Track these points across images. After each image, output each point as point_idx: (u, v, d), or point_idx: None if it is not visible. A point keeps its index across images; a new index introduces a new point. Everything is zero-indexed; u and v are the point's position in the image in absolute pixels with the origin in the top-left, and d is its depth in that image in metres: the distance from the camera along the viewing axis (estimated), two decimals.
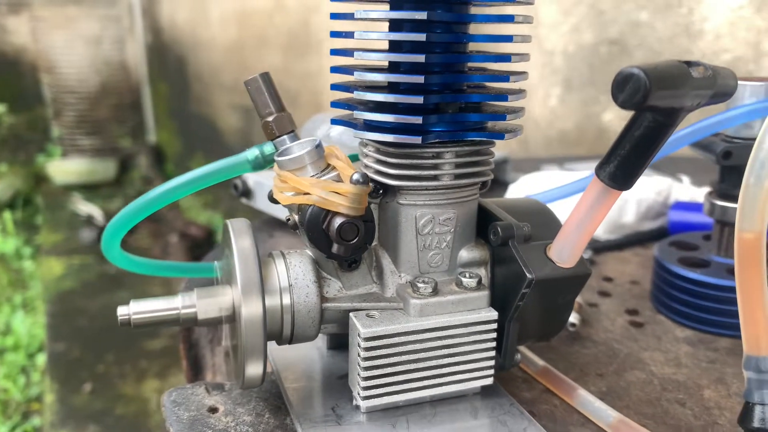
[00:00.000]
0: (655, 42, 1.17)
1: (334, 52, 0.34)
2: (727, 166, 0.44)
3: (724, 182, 0.45)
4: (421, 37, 0.29)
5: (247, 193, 0.63)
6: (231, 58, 3.12)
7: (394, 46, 0.30)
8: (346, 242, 0.30)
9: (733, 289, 0.43)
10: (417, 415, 0.33)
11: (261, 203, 0.62)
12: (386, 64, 0.32)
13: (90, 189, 4.12)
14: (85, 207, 3.74)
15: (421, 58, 0.29)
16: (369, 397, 0.32)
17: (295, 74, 2.49)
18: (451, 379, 0.34)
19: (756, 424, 0.27)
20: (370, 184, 0.31)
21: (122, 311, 0.32)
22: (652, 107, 0.26)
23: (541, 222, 0.36)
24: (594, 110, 1.28)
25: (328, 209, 0.30)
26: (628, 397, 0.37)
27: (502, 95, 0.31)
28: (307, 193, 0.30)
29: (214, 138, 3.51)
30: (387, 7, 0.31)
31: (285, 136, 0.35)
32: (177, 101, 3.94)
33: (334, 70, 0.34)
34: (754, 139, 0.43)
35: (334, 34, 0.34)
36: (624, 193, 0.59)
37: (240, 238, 0.31)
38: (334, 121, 0.35)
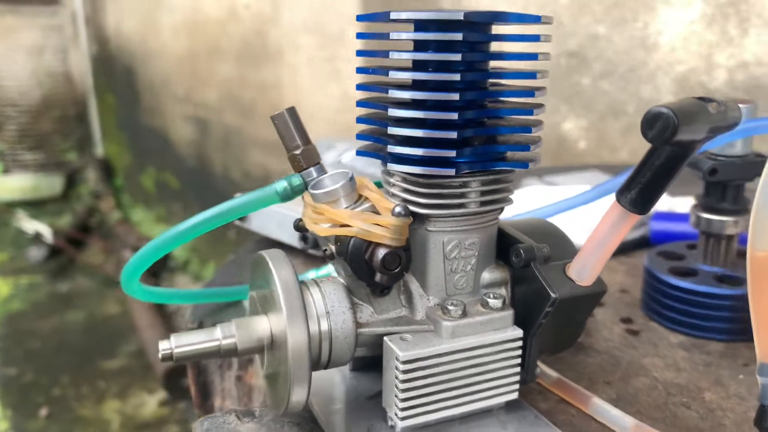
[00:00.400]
0: (613, 54, 1.22)
1: (360, 87, 0.36)
2: (712, 182, 0.47)
3: (709, 196, 0.48)
4: (456, 77, 0.30)
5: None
6: (183, 68, 3.08)
7: (423, 85, 0.32)
8: (390, 272, 0.31)
9: (721, 296, 0.46)
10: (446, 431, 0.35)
11: (255, 225, 0.63)
12: (412, 98, 0.33)
13: (35, 206, 3.99)
14: (31, 224, 3.62)
15: (455, 96, 0.31)
16: (406, 417, 0.34)
17: (251, 85, 2.48)
18: (480, 396, 0.35)
19: None
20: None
21: (164, 346, 0.32)
22: (677, 142, 0.28)
23: (554, 242, 0.38)
24: (554, 120, 1.32)
25: (369, 240, 0.31)
26: (638, 402, 0.40)
27: (527, 127, 0.33)
28: (347, 225, 0.32)
29: (167, 150, 3.45)
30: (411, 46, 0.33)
31: (311, 168, 0.36)
32: (126, 113, 3.85)
33: (361, 104, 0.36)
34: (737, 157, 0.47)
35: (360, 71, 0.35)
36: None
37: (280, 269, 0.32)
38: (361, 153, 0.36)
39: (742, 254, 0.51)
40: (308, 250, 0.57)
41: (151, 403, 2.35)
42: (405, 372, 0.33)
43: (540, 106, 0.34)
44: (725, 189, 0.47)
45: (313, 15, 1.64)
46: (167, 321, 2.75)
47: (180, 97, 3.17)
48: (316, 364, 0.34)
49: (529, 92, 0.32)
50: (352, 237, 0.32)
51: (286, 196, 0.36)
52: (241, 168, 2.72)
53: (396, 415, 0.34)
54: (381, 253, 0.31)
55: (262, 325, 0.33)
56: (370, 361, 0.38)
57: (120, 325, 2.81)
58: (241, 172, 2.72)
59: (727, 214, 0.47)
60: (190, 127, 3.17)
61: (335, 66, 1.61)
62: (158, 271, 3.32)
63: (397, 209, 0.31)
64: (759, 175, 0.46)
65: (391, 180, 0.36)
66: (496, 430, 0.35)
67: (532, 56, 0.32)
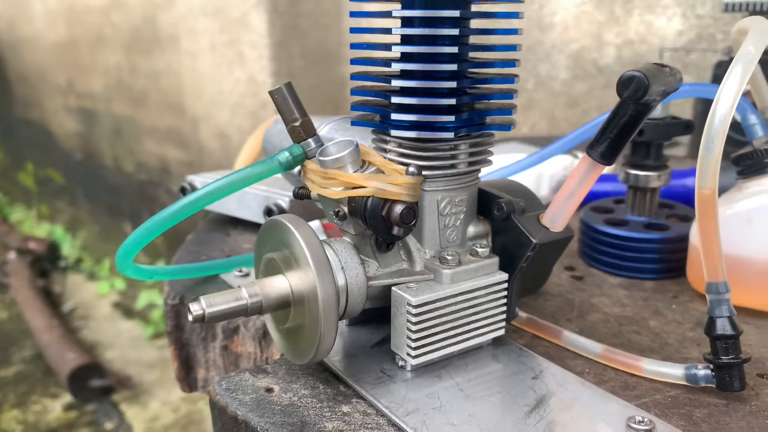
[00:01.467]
0: None
1: (356, 62, 0.39)
2: (637, 142, 0.55)
3: (635, 155, 0.55)
4: (454, 49, 0.34)
5: None
6: (62, 57, 2.91)
7: (425, 57, 0.36)
8: (407, 225, 0.35)
9: (649, 241, 0.54)
10: (452, 367, 0.39)
11: (212, 204, 0.64)
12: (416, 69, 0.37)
13: None
14: None
15: (454, 66, 0.35)
16: (418, 356, 0.38)
17: (142, 73, 2.40)
18: (475, 333, 0.40)
19: (719, 331, 0.37)
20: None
21: (195, 308, 0.34)
22: (644, 101, 0.34)
23: (524, 197, 0.43)
24: None
25: (386, 198, 0.35)
26: (597, 333, 0.46)
27: (509, 93, 0.38)
28: (360, 186, 0.35)
29: (49, 144, 3.25)
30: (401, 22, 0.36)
31: (310, 139, 0.39)
32: None
33: (356, 77, 0.39)
34: (659, 119, 0.54)
35: (356, 47, 0.38)
36: (539, 169, 0.68)
37: (302, 230, 0.35)
38: (356, 123, 0.40)
39: (663, 205, 0.59)
40: None
41: (55, 408, 2.24)
42: (416, 315, 0.37)
43: (517, 75, 0.38)
44: (648, 148, 0.54)
45: (211, 0, 1.62)
46: (64, 322, 2.62)
47: (61, 87, 3.00)
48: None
49: (511, 63, 0.37)
50: (368, 197, 0.35)
51: (288, 166, 0.39)
52: (135, 159, 2.62)
53: (408, 354, 0.38)
54: (398, 208, 0.34)
55: (284, 284, 0.36)
56: (365, 316, 0.41)
57: (10, 330, 2.64)
58: (135, 162, 2.63)
59: (651, 169, 0.55)
60: (74, 119, 3.00)
61: (239, 50, 1.60)
62: (47, 271, 3.14)
63: (411, 169, 0.35)
64: (676, 134, 0.54)
65: (387, 146, 0.40)
66: (490, 362, 0.40)
67: (514, 31, 0.37)
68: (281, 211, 0.58)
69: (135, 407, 2.27)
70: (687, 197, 0.63)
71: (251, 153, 0.71)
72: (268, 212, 0.59)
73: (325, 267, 0.34)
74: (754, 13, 0.75)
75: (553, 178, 0.68)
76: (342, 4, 1.61)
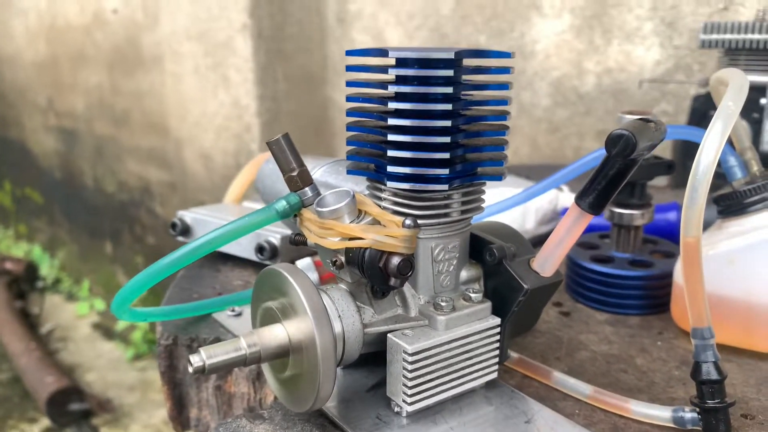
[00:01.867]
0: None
1: (352, 113, 0.40)
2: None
3: (620, 194, 0.56)
4: (448, 106, 0.36)
5: (185, 231, 0.65)
6: (43, 76, 2.89)
7: (420, 114, 0.37)
8: (403, 276, 0.36)
9: (634, 278, 0.55)
10: (447, 411, 0.40)
11: None
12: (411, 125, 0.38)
13: None
14: None
15: (448, 123, 0.36)
16: (413, 402, 0.38)
17: (124, 93, 2.39)
18: (469, 378, 0.41)
19: (704, 377, 0.38)
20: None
21: (196, 360, 0.35)
22: (633, 157, 0.35)
23: (514, 241, 0.44)
24: None
25: (383, 250, 0.36)
26: (587, 372, 0.47)
27: (500, 146, 0.39)
28: (358, 238, 0.36)
29: (27, 163, 3.22)
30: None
31: (307, 188, 0.40)
32: None
33: (351, 128, 0.40)
34: (643, 161, 0.55)
35: (351, 99, 0.39)
36: (527, 204, 0.70)
37: (299, 280, 0.35)
38: (352, 172, 0.41)
39: (647, 240, 0.61)
40: (264, 261, 0.60)
41: None
42: (412, 363, 0.37)
43: (508, 127, 0.40)
44: (633, 187, 0.56)
45: (197, 23, 1.63)
46: (42, 344, 2.58)
47: (41, 106, 2.97)
48: None
49: (502, 116, 0.38)
50: (365, 248, 0.36)
51: (285, 214, 0.40)
52: (116, 179, 2.60)
53: (404, 401, 0.38)
54: (395, 260, 0.35)
55: (282, 333, 0.37)
56: (360, 359, 0.42)
57: None
58: (116, 182, 2.61)
59: (635, 208, 0.56)
60: (54, 138, 2.98)
61: (223, 74, 1.61)
62: (25, 291, 3.10)
63: (407, 221, 0.35)
64: (659, 174, 0.56)
65: (382, 195, 0.41)
66: (483, 405, 0.41)
67: (504, 86, 0.38)
68: (272, 248, 0.59)
69: (115, 431, 2.24)
70: (670, 231, 0.65)
71: (242, 186, 0.72)
72: (260, 249, 0.59)
73: (323, 316, 0.35)
74: (728, 50, 0.77)
75: (538, 211, 0.70)
76: (325, 29, 1.62)
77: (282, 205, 0.39)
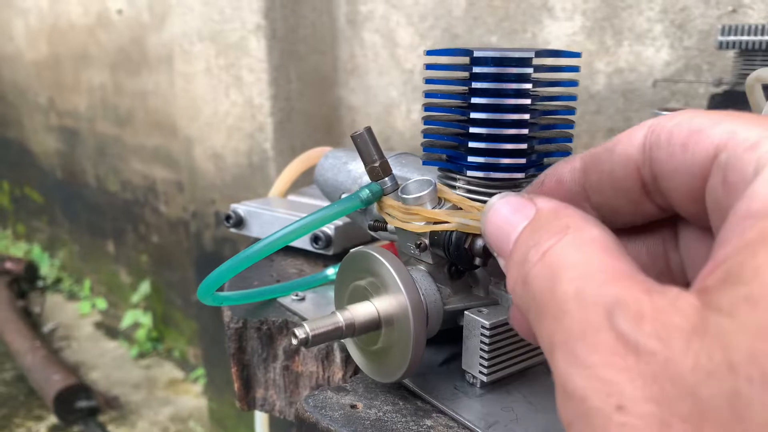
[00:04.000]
0: None
1: (430, 109, 0.43)
2: None
3: None
4: (527, 101, 0.39)
5: (239, 223, 0.68)
6: (44, 76, 2.90)
7: (500, 108, 0.40)
8: (487, 256, 0.39)
9: None
10: (516, 383, 0.44)
11: (255, 231, 0.68)
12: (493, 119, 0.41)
13: None
14: None
15: (527, 116, 0.39)
16: (490, 373, 0.42)
17: (128, 93, 2.41)
18: (535, 352, 0.44)
19: None
20: None
21: (300, 333, 0.38)
22: None
23: None
24: None
25: (468, 233, 0.39)
26: None
27: (568, 138, 0.43)
28: (444, 222, 0.39)
29: (27, 163, 3.23)
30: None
31: (386, 178, 0.43)
32: None
33: (428, 123, 0.43)
34: None
35: (430, 95, 0.43)
36: None
37: (391, 261, 0.39)
38: (429, 163, 0.44)
39: None
40: (319, 250, 0.63)
41: (40, 430, 2.22)
42: (490, 336, 0.41)
43: (574, 122, 0.43)
44: None
45: (209, 24, 1.65)
46: (46, 344, 2.59)
47: (42, 106, 2.98)
48: None
49: (571, 111, 0.42)
50: (451, 231, 0.39)
51: (368, 202, 0.43)
52: (120, 178, 2.62)
53: (481, 372, 0.42)
54: (480, 242, 0.39)
55: (372, 308, 0.40)
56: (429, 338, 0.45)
57: None
58: (119, 182, 2.63)
59: None
60: (54, 138, 2.99)
61: (236, 74, 1.63)
62: (25, 291, 3.11)
63: None
64: None
65: (456, 184, 0.44)
66: (547, 376, 0.45)
67: (574, 83, 0.42)
68: (327, 237, 0.62)
69: (123, 428, 2.26)
70: None
71: (289, 180, 0.75)
72: (315, 239, 0.63)
73: (415, 292, 0.38)
74: (744, 51, 0.82)
75: None
76: (336, 30, 1.66)
77: (366, 193, 0.43)
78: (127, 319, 2.66)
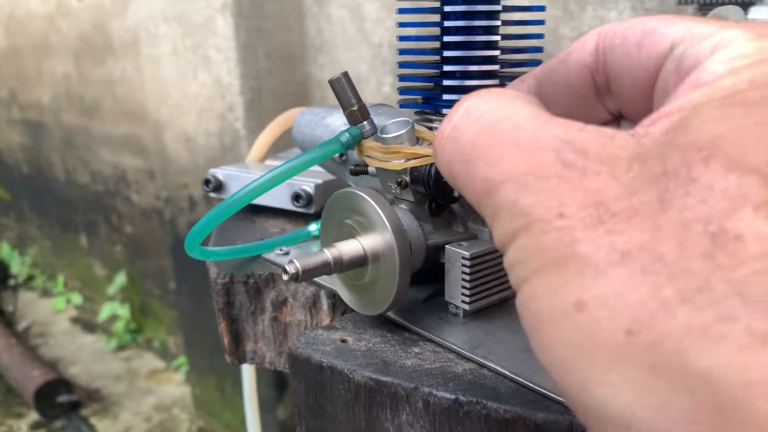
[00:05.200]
0: None
1: (404, 52, 0.45)
2: None
3: None
4: (495, 37, 0.41)
5: (219, 187, 0.69)
6: (3, 68, 2.84)
7: (472, 45, 0.42)
8: None
9: None
10: (498, 312, 0.46)
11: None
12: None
13: None
14: None
15: (496, 52, 0.41)
16: (472, 302, 0.44)
17: (93, 81, 2.38)
18: (508, 285, 0.46)
19: None
20: None
21: (291, 269, 0.39)
22: None
23: None
24: None
25: None
26: None
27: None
28: (425, 156, 0.41)
29: None
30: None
31: (365, 122, 0.44)
32: None
33: (404, 66, 0.45)
34: None
35: (403, 39, 0.44)
36: None
37: (375, 199, 0.40)
38: (407, 106, 0.46)
39: None
40: (299, 209, 0.65)
41: (21, 428, 2.21)
42: (471, 267, 0.43)
43: (541, 60, 0.45)
44: None
45: (173, 4, 1.64)
46: (22, 342, 2.57)
47: (3, 100, 2.92)
48: None
49: (539, 48, 0.44)
50: (431, 166, 0.41)
51: (349, 145, 0.44)
52: (89, 169, 2.59)
53: (463, 302, 0.44)
54: None
55: (358, 245, 0.41)
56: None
57: None
58: (89, 173, 2.60)
59: None
60: (18, 132, 2.94)
61: (204, 54, 1.63)
62: None
63: None
64: None
65: (433, 125, 0.46)
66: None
67: (540, 22, 0.43)
68: (308, 195, 0.64)
69: (106, 420, 2.25)
70: None
71: (265, 145, 0.76)
72: (296, 197, 0.64)
73: (399, 228, 0.40)
74: (702, 5, 0.84)
75: None
76: (303, 6, 1.66)
77: (345, 137, 0.44)
78: (104, 312, 2.64)
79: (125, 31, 2.10)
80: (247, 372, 0.80)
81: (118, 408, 2.27)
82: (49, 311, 2.93)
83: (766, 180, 0.17)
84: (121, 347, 2.59)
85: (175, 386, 2.34)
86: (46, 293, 3.08)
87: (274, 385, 1.66)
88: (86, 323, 2.80)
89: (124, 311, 2.60)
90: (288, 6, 1.62)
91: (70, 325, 2.83)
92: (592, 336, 0.18)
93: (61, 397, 2.21)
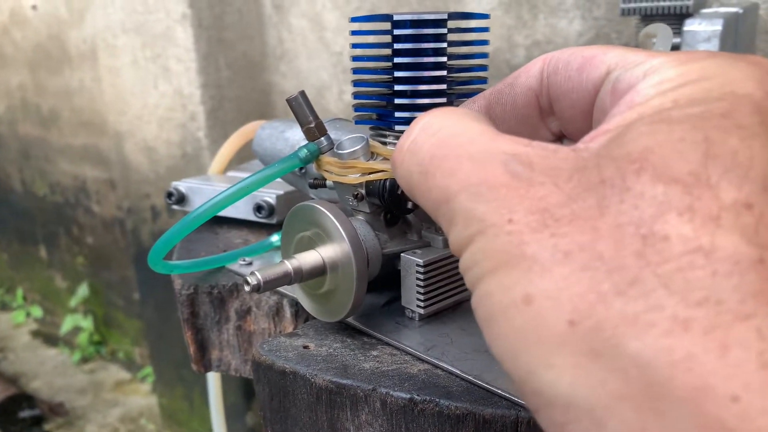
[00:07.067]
0: None
1: (358, 71, 0.47)
2: None
3: None
4: (444, 59, 0.44)
5: (181, 199, 0.70)
6: None
7: (421, 66, 0.45)
8: None
9: None
10: (452, 315, 0.48)
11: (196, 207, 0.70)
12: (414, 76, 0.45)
13: None
14: None
15: (444, 72, 0.44)
16: (426, 307, 0.46)
17: (50, 92, 2.35)
18: (463, 288, 0.49)
19: None
20: None
21: (253, 281, 0.42)
22: None
23: None
24: None
25: None
26: None
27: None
28: (379, 171, 0.43)
29: None
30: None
31: (322, 138, 0.47)
32: None
33: (358, 84, 0.47)
34: None
35: (357, 59, 0.47)
36: None
37: (333, 210, 0.43)
38: (362, 122, 0.48)
39: None
40: (262, 220, 0.66)
41: None
42: (425, 273, 0.45)
43: (487, 78, 0.48)
44: None
45: (132, 15, 1.64)
46: None
47: None
48: None
49: (484, 67, 0.47)
50: (385, 180, 0.43)
51: (307, 160, 0.47)
52: (48, 181, 2.55)
53: (418, 307, 0.46)
54: None
55: (317, 256, 0.44)
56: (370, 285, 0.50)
57: None
58: (48, 184, 2.56)
59: None
60: None
61: (163, 64, 1.63)
62: None
63: None
64: None
65: (387, 140, 0.48)
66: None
67: (484, 42, 0.46)
68: (270, 207, 0.65)
69: None
70: None
71: (227, 157, 0.77)
72: (258, 209, 0.66)
73: (356, 239, 0.42)
74: (645, 16, 0.89)
75: None
76: (263, 16, 1.67)
77: (304, 152, 0.46)
78: (66, 324, 2.60)
79: (83, 42, 2.08)
80: (213, 380, 0.81)
81: (83, 421, 2.24)
82: (9, 325, 2.88)
83: (687, 189, 0.20)
84: (84, 359, 2.55)
85: (141, 397, 2.32)
86: (4, 307, 3.02)
87: (243, 393, 1.67)
88: (48, 336, 2.75)
89: (87, 323, 2.56)
90: (248, 16, 1.63)
91: (31, 339, 2.78)
92: (539, 325, 0.20)
93: (22, 413, 2.17)
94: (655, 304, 0.18)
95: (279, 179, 0.60)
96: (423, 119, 0.27)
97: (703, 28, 0.70)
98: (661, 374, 0.18)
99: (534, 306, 0.20)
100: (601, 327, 0.19)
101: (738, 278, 0.18)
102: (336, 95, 1.59)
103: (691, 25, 0.71)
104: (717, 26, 0.70)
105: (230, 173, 0.79)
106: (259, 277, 0.42)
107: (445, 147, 0.25)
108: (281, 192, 0.66)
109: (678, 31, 0.87)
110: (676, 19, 0.86)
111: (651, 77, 0.24)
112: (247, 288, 0.42)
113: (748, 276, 0.18)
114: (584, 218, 0.20)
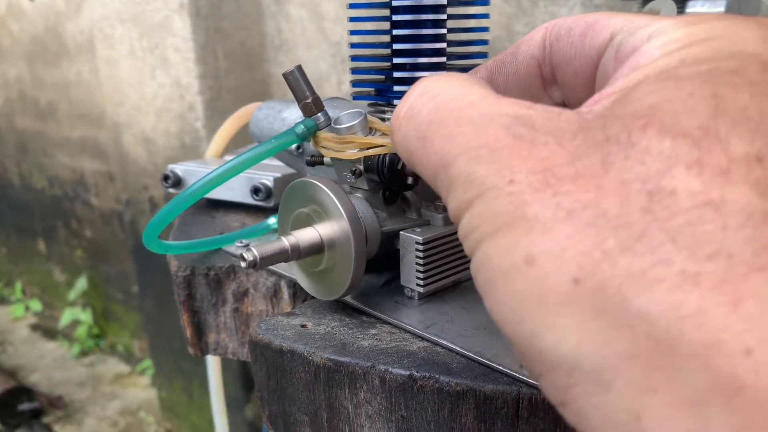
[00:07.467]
0: None
1: (355, 45, 0.46)
2: None
3: None
4: (443, 30, 0.43)
5: (177, 183, 0.69)
6: None
7: (421, 38, 0.44)
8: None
9: None
10: (453, 293, 0.48)
11: None
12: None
13: None
14: None
15: (444, 45, 0.43)
16: (425, 285, 0.46)
17: (48, 84, 2.34)
18: (462, 267, 0.48)
19: None
20: None
21: (249, 256, 0.41)
22: None
23: None
24: None
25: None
26: None
27: (484, 54, 0.47)
28: (378, 146, 0.43)
29: None
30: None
31: (319, 114, 0.46)
32: None
33: (356, 59, 0.47)
34: None
35: (354, 33, 0.46)
36: None
37: (331, 188, 0.42)
38: (360, 98, 0.47)
39: None
40: (259, 203, 0.66)
41: None
42: (424, 251, 0.45)
43: (487, 52, 0.47)
44: None
45: (129, 6, 1.63)
46: None
47: None
48: None
49: (485, 41, 0.46)
50: (384, 155, 0.43)
51: (303, 136, 0.46)
52: (46, 174, 2.54)
53: (418, 285, 0.46)
54: None
55: (315, 233, 0.43)
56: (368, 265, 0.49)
57: None
58: (46, 178, 2.55)
59: None
60: None
61: (161, 55, 1.62)
62: None
63: None
64: None
65: (385, 116, 0.47)
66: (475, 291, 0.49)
67: (485, 15, 0.46)
68: (267, 189, 0.65)
69: (69, 427, 2.22)
70: None
71: (223, 141, 0.76)
72: (256, 191, 0.65)
73: (355, 216, 0.41)
74: (647, 1, 0.88)
75: None
76: (261, 5, 1.66)
77: (300, 128, 0.46)
78: (65, 317, 2.59)
79: (80, 33, 2.07)
80: (213, 368, 0.81)
81: (82, 414, 2.24)
82: (8, 319, 2.87)
83: (696, 142, 0.19)
84: (83, 353, 2.55)
85: (140, 390, 2.32)
86: (3, 300, 3.01)
87: (242, 385, 1.66)
88: (47, 330, 2.74)
89: (86, 316, 2.56)
90: (246, 6, 1.62)
91: (30, 332, 2.77)
92: (541, 286, 0.19)
93: (21, 406, 2.17)
94: (662, 260, 0.18)
95: (276, 161, 0.59)
96: (421, 84, 0.27)
97: (706, 9, 0.69)
98: (669, 331, 0.17)
99: (536, 267, 0.20)
100: (607, 285, 0.18)
101: (751, 231, 0.17)
102: (335, 85, 1.58)
103: (694, 6, 0.70)
104: (720, 7, 0.69)
105: (227, 157, 0.78)
106: (256, 253, 0.41)
107: (444, 111, 0.24)
108: (279, 175, 0.66)
109: (681, 12, 0.86)
110: (680, 2, 0.85)
111: (656, 39, 0.23)
112: (243, 264, 0.41)
113: (762, 229, 0.17)
114: (588, 176, 0.20)
